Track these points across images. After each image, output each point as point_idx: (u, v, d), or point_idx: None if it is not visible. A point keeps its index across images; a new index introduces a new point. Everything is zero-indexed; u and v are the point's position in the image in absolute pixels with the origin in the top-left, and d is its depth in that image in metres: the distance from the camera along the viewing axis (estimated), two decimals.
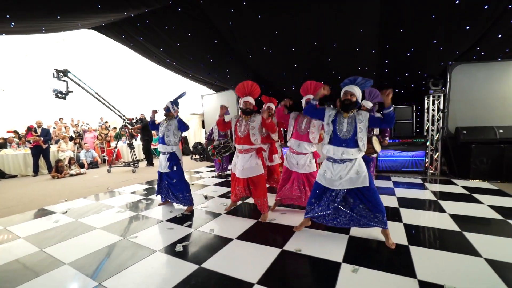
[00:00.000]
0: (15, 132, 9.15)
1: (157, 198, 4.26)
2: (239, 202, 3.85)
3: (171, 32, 4.74)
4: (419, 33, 4.24)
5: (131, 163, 7.20)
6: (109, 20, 4.19)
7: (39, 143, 6.95)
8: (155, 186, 5.19)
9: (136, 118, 8.41)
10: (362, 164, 2.42)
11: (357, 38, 4.47)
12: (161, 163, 3.57)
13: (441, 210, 3.32)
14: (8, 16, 2.87)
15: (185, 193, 3.53)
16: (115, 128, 10.61)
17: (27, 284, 1.96)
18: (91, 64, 11.92)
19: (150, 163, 8.16)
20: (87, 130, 10.08)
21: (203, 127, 9.80)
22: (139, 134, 9.03)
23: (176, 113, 3.48)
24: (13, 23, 3.06)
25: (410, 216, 3.14)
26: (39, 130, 7.17)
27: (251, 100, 3.06)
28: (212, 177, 6.03)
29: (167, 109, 3.52)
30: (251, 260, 2.22)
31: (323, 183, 2.55)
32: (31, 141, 6.93)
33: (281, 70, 5.93)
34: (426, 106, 5.80)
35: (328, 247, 2.41)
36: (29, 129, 7.22)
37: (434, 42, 4.40)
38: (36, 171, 7.09)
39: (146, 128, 8.29)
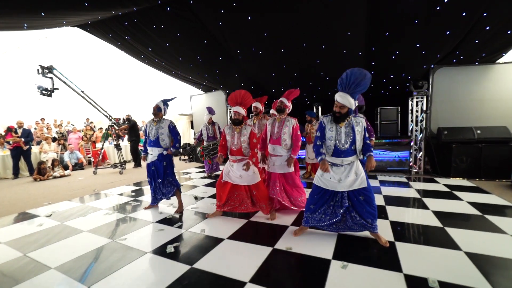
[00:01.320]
0: None
1: (146, 200, 4.19)
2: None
3: (160, 32, 4.69)
4: (403, 37, 4.41)
5: (118, 164, 7.04)
6: (96, 18, 4.09)
7: (20, 144, 6.67)
8: (143, 187, 5.11)
9: (123, 119, 8.22)
10: (359, 164, 2.45)
11: (345, 40, 4.59)
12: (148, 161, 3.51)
13: (425, 207, 3.47)
14: None
15: (169, 185, 3.49)
16: (101, 128, 10.33)
17: None
18: (76, 62, 11.55)
19: (137, 164, 8.00)
20: (72, 130, 9.76)
21: (192, 127, 9.72)
22: (126, 135, 8.83)
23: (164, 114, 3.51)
24: None
25: (396, 213, 3.26)
26: (19, 131, 6.88)
27: (240, 110, 3.01)
28: (202, 177, 6.00)
29: (158, 109, 3.45)
30: (243, 259, 2.24)
31: (322, 186, 2.52)
32: (11, 142, 6.64)
33: (270, 71, 5.99)
34: (410, 107, 6.01)
35: (318, 244, 2.47)
36: (9, 130, 6.90)
37: (417, 46, 4.58)
38: (16, 173, 6.80)
39: (133, 128, 8.13)
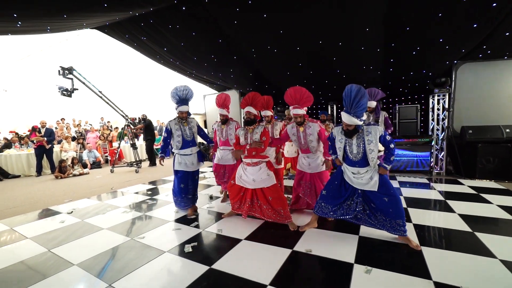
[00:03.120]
0: (16, 133, 9.14)
1: (163, 198, 4.23)
2: None
3: (175, 32, 4.71)
4: (425, 31, 4.20)
5: (134, 163, 7.18)
6: (114, 20, 4.16)
7: (43, 143, 6.93)
8: (159, 186, 5.17)
9: (139, 118, 8.38)
10: (375, 171, 2.42)
11: (363, 37, 4.44)
12: (188, 163, 3.33)
13: (450, 210, 3.29)
14: (15, 15, 2.85)
15: (196, 192, 3.52)
16: (117, 128, 10.59)
17: (35, 286, 1.94)
18: (94, 63, 11.90)
19: (153, 163, 8.13)
20: (89, 130, 10.05)
21: (205, 127, 9.77)
22: (141, 134, 9.00)
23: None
24: (19, 23, 3.04)
25: (419, 216, 3.12)
26: (42, 130, 7.15)
27: (252, 110, 2.99)
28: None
29: (188, 113, 3.43)
30: (262, 261, 2.20)
31: (346, 178, 2.54)
32: (35, 141, 6.91)
33: (285, 69, 5.90)
34: (431, 105, 5.76)
35: (339, 247, 2.39)
36: (33, 129, 7.19)
37: (440, 40, 4.36)
38: (39, 171, 7.08)
39: (148, 128, 8.27)
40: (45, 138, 6.96)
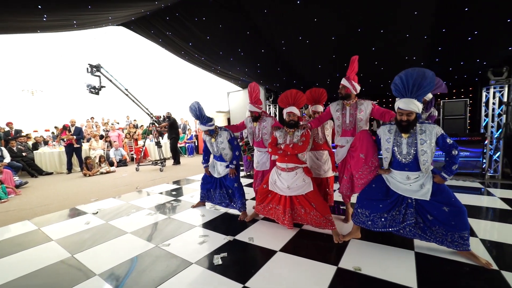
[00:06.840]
0: (56, 127, 9.51)
1: (186, 200, 4.04)
2: None
3: (202, 24, 4.50)
4: (490, 11, 3.57)
5: (159, 162, 7.14)
6: (140, 12, 4.01)
7: (72, 141, 7.10)
8: (183, 186, 5.01)
9: (163, 116, 8.37)
10: (430, 177, 2.08)
11: (410, 22, 3.92)
12: (217, 170, 3.29)
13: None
14: (40, 7, 2.77)
15: (244, 199, 3.23)
16: (142, 126, 10.74)
17: None
18: (120, 62, 12.19)
19: (177, 162, 8.08)
20: (109, 129, 10.22)
21: (229, 124, 9.60)
22: (166, 133, 9.00)
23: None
24: (45, 16, 2.97)
25: (485, 229, 2.63)
26: (72, 129, 7.33)
27: (295, 110, 2.63)
28: (241, 177, 5.74)
29: (219, 127, 3.17)
30: (304, 280, 1.88)
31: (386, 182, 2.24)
32: (65, 139, 7.10)
33: (317, 62, 5.48)
34: (484, 99, 5.07)
35: (393, 266, 2.01)
36: (64, 128, 7.40)
37: (509, 21, 3.69)
38: (69, 168, 7.28)
39: (173, 126, 8.22)
40: (75, 137, 7.14)
